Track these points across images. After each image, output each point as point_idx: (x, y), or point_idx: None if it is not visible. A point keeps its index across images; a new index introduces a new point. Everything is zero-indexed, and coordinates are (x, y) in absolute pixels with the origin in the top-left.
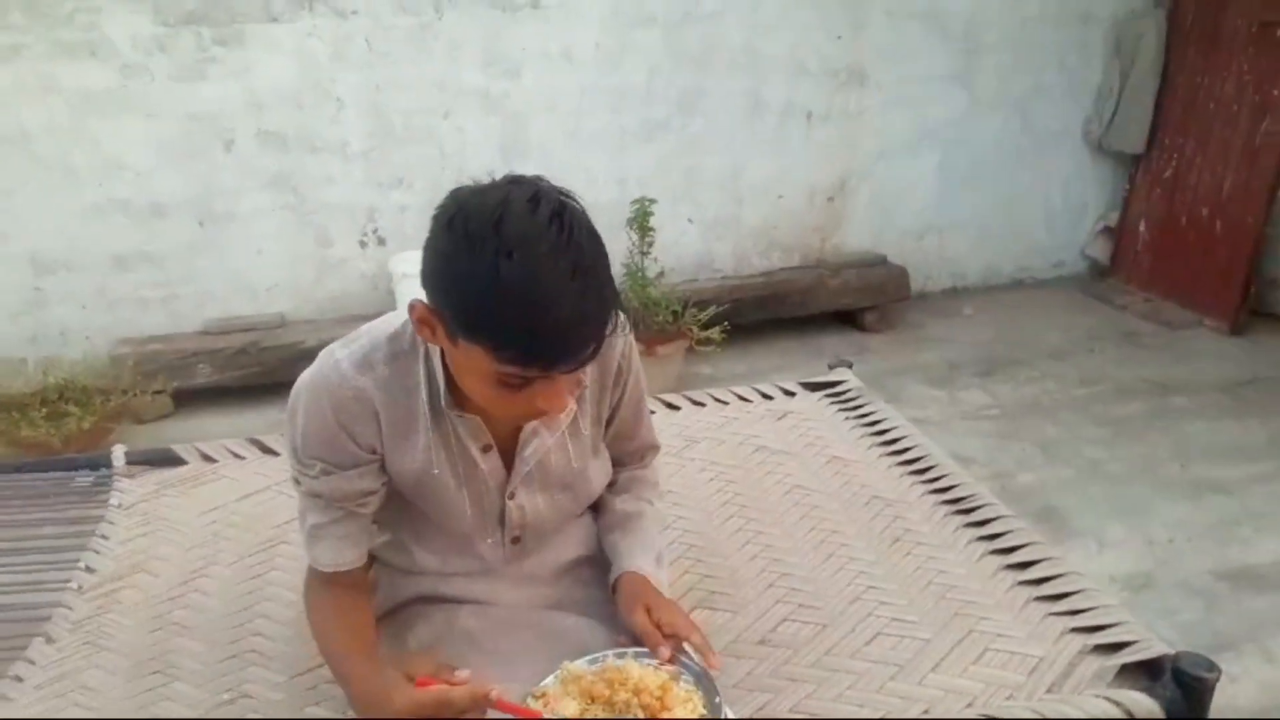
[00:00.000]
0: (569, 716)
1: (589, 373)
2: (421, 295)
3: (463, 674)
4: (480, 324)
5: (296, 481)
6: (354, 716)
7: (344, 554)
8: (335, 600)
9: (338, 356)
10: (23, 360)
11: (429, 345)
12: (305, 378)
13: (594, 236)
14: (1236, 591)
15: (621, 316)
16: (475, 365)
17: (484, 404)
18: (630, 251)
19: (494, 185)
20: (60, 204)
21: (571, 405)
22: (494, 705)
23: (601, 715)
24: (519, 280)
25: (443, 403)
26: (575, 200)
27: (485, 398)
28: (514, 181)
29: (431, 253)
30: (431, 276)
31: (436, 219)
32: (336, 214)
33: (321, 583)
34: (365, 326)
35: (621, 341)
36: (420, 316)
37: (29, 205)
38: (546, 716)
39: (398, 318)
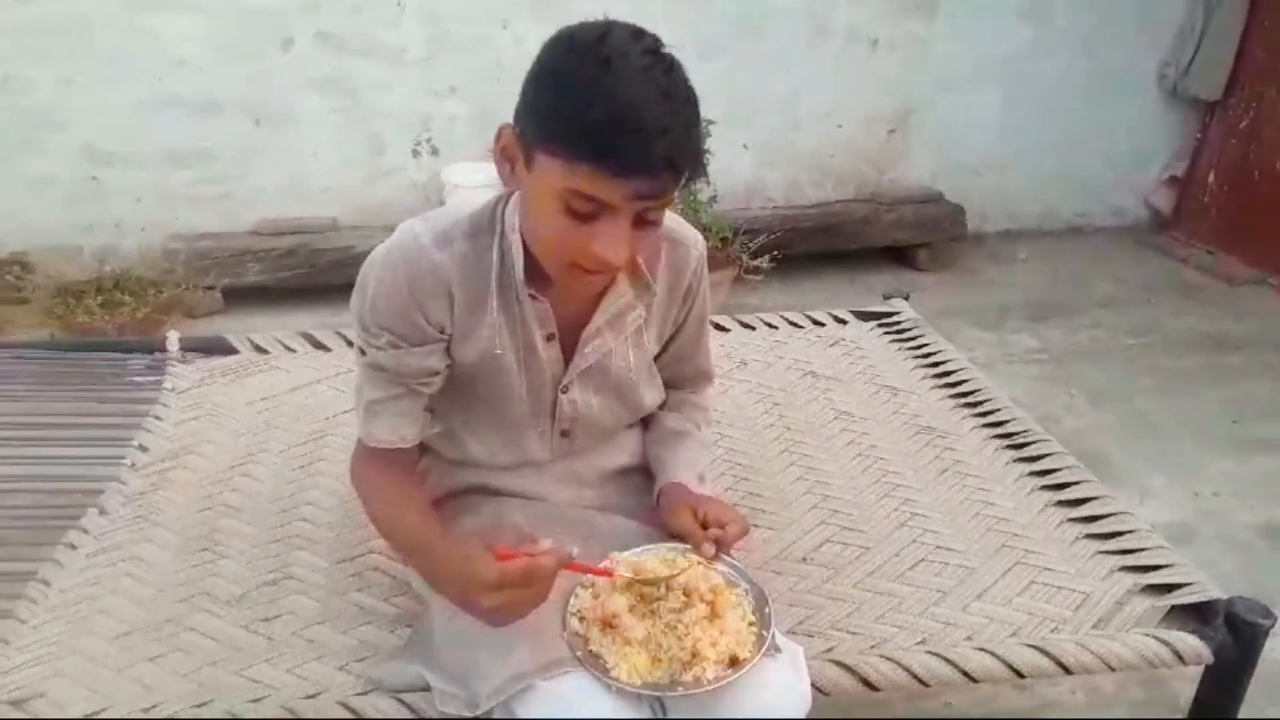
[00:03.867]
0: (617, 610)
1: (661, 282)
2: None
3: (545, 543)
4: (564, 123)
5: (361, 351)
6: (406, 596)
7: (400, 430)
8: (395, 481)
9: (417, 230)
10: (79, 248)
11: (505, 223)
12: (380, 249)
13: (690, 88)
14: None
15: (698, 235)
16: (548, 185)
17: (546, 242)
18: None
19: (602, 20)
20: (118, 96)
21: (631, 298)
22: (570, 566)
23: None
24: (611, 83)
25: (518, 280)
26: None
27: (549, 232)
28: (623, 22)
29: (532, 71)
30: (527, 90)
31: (544, 45)
32: (391, 121)
33: (375, 463)
34: (444, 207)
35: (696, 258)
36: (504, 143)
37: (87, 95)
38: (606, 590)
39: (478, 200)
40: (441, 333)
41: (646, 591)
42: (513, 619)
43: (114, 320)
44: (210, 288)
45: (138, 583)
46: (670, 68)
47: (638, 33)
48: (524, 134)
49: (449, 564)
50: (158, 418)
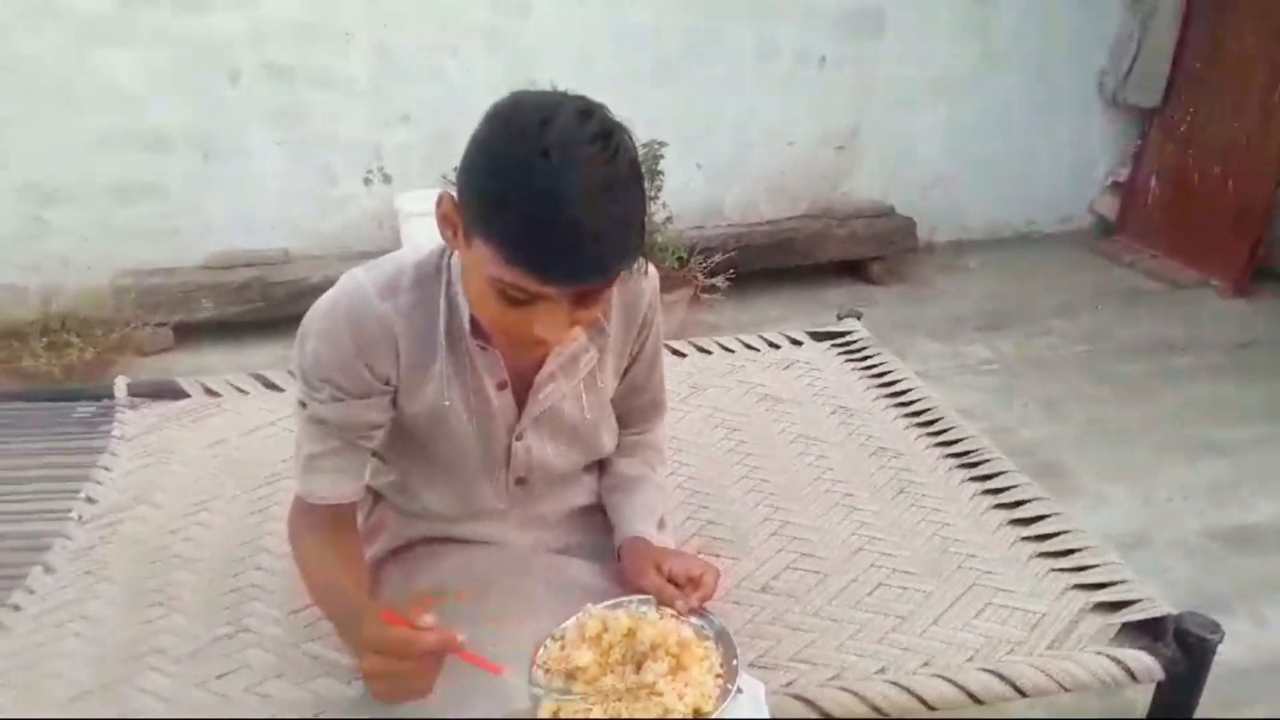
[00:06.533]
0: (582, 665)
1: (615, 320)
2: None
3: (427, 619)
4: (496, 217)
5: (302, 404)
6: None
7: (340, 487)
8: (332, 543)
9: (361, 280)
10: (23, 289)
11: (452, 272)
12: (324, 300)
13: (636, 170)
14: (1230, 552)
15: (650, 267)
16: (482, 270)
17: (485, 318)
18: None
19: (554, 92)
20: (62, 133)
21: (584, 341)
22: (457, 653)
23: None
24: (547, 178)
25: (466, 332)
26: (629, 134)
27: (487, 310)
28: (575, 96)
29: (472, 141)
30: (465, 166)
31: (488, 111)
32: (342, 150)
33: (314, 523)
34: (390, 254)
35: (650, 290)
36: (445, 211)
37: (30, 134)
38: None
39: (424, 246)
40: (386, 384)
41: (614, 643)
42: (389, 697)
43: (61, 362)
44: (161, 324)
45: (86, 643)
46: (616, 153)
47: (585, 112)
48: (463, 210)
49: (350, 619)
50: (106, 468)
